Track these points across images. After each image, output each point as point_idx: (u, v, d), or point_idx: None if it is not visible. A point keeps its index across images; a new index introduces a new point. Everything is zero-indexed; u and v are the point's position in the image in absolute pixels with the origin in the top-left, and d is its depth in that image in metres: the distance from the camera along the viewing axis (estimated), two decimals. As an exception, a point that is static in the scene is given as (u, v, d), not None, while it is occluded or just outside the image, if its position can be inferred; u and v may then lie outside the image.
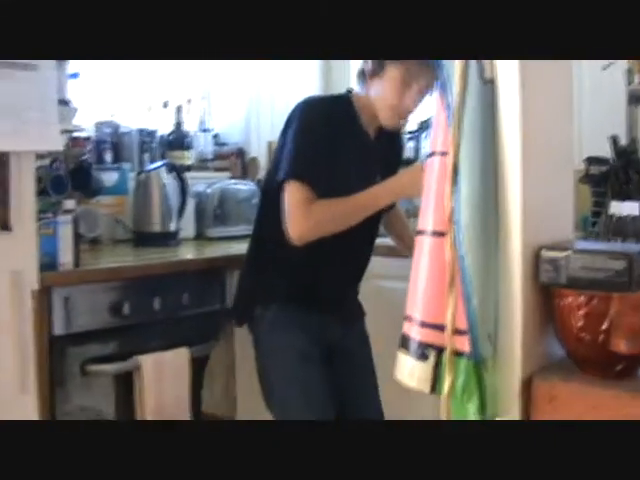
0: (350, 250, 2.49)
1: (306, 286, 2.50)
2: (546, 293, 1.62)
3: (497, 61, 1.57)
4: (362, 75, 2.53)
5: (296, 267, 2.48)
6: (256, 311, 2.51)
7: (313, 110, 2.44)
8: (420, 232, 1.62)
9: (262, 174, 4.15)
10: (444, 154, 1.57)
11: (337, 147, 2.41)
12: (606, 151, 3.08)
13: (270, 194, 2.47)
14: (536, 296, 1.61)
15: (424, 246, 1.60)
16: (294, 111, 2.45)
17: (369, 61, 2.47)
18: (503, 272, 1.57)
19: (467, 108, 1.55)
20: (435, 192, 1.58)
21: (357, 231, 2.38)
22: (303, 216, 2.31)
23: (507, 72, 1.57)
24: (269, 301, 2.49)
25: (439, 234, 1.56)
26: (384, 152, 2.60)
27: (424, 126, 4.00)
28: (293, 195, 2.33)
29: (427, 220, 1.60)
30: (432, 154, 1.62)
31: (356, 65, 2.53)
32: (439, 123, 1.61)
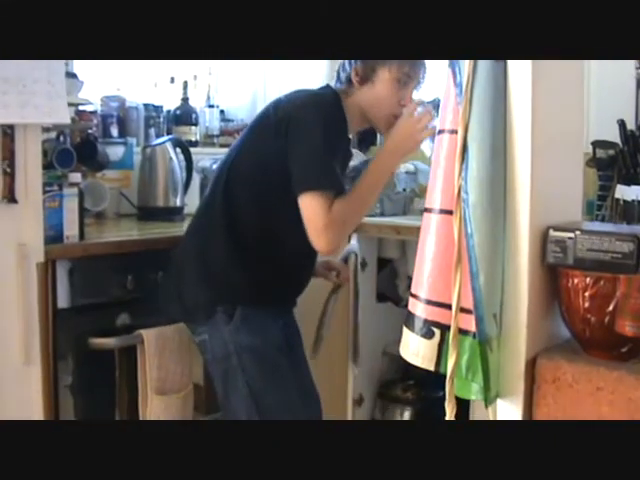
0: (310, 247, 2.40)
1: (275, 285, 2.47)
2: (552, 273, 1.62)
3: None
4: (348, 81, 2.48)
5: (270, 266, 2.45)
6: (217, 312, 2.43)
7: (321, 113, 2.36)
8: (427, 210, 1.61)
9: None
10: (453, 132, 1.56)
11: (336, 151, 2.38)
12: (613, 135, 3.07)
13: (257, 189, 2.41)
14: (542, 276, 1.61)
15: (431, 224, 1.59)
16: (295, 110, 2.36)
17: (356, 67, 2.44)
18: (510, 252, 1.56)
19: (477, 86, 1.53)
20: (444, 170, 1.57)
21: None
22: (330, 228, 2.26)
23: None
24: (235, 301, 2.43)
25: (446, 212, 1.55)
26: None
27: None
28: (317, 209, 2.26)
29: (435, 198, 1.59)
30: (441, 132, 1.61)
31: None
32: (449, 100, 1.60)
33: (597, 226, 1.71)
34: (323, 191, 2.26)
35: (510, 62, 1.55)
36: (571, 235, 1.55)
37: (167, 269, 2.63)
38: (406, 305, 1.67)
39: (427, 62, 2.52)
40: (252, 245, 2.42)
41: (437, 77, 2.43)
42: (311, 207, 2.26)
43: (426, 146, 2.36)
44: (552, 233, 1.58)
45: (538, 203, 1.56)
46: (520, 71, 1.55)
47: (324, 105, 2.40)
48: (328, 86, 2.55)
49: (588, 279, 1.54)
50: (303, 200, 2.28)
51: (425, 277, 1.60)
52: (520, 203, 1.55)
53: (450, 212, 1.54)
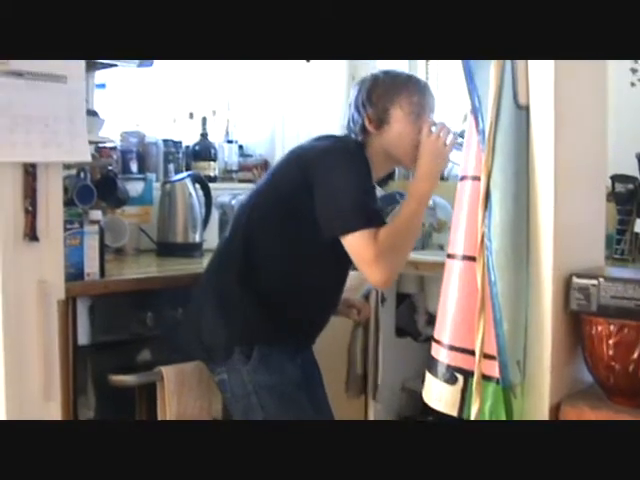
0: (330, 289, 2.48)
1: (293, 325, 2.45)
2: (576, 320, 1.62)
3: (531, 86, 1.58)
4: (363, 131, 2.48)
5: (286, 307, 2.43)
6: (235, 352, 2.41)
7: (346, 155, 2.36)
8: (450, 256, 1.62)
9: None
10: (476, 178, 1.57)
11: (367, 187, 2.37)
12: (632, 169, 3.07)
13: (278, 233, 2.41)
14: (566, 323, 1.61)
15: (454, 270, 1.60)
16: (320, 155, 2.37)
17: (368, 114, 2.44)
18: (533, 298, 1.57)
19: (500, 133, 1.55)
20: (467, 216, 1.58)
21: (336, 269, 2.44)
22: (381, 258, 2.22)
23: (541, 97, 1.57)
24: (253, 341, 2.40)
25: (470, 258, 1.56)
26: None
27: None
28: (365, 246, 2.23)
29: (458, 244, 1.60)
30: (464, 178, 1.62)
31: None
32: (471, 147, 1.62)
33: (620, 272, 1.71)
34: (362, 229, 2.23)
35: (533, 109, 1.56)
36: (594, 282, 1.55)
37: (187, 307, 2.63)
38: (426, 340, 1.68)
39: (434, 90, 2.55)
40: (270, 287, 2.41)
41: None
42: (356, 245, 2.25)
43: (453, 156, 2.36)
44: (575, 280, 1.58)
45: (561, 248, 1.57)
46: (542, 117, 1.56)
47: (349, 149, 2.41)
48: (348, 135, 2.55)
49: (612, 326, 1.54)
50: (346, 242, 2.27)
51: (448, 323, 1.60)
52: (543, 250, 1.55)
53: (473, 258, 1.55)
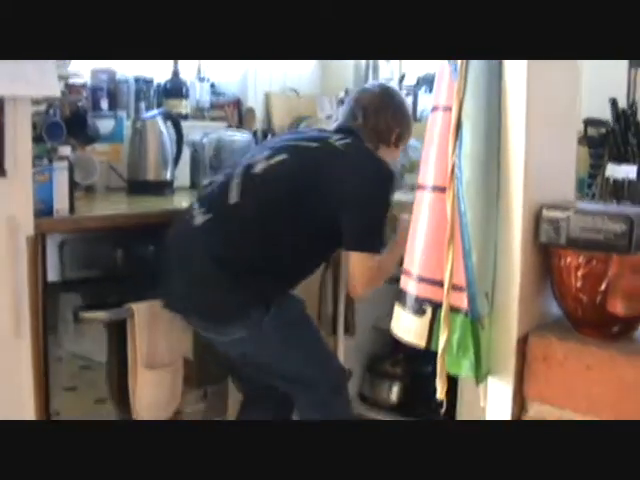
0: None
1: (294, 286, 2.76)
2: (545, 252, 1.62)
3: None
4: (382, 139, 2.84)
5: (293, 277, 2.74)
6: (254, 310, 2.58)
7: (387, 187, 2.66)
8: (420, 187, 1.61)
9: (259, 125, 4.15)
10: (447, 109, 1.56)
11: None
12: (605, 113, 3.06)
13: (298, 228, 2.65)
14: (535, 255, 1.61)
15: (424, 201, 1.59)
16: (375, 175, 2.66)
17: (396, 131, 2.84)
18: (503, 230, 1.56)
19: (472, 63, 1.53)
20: (437, 147, 1.57)
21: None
22: (369, 283, 2.70)
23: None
24: (269, 303, 2.59)
25: (440, 189, 1.55)
26: None
27: (421, 82, 4.00)
28: (366, 264, 2.63)
29: (428, 175, 1.59)
30: (435, 108, 1.61)
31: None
32: (443, 77, 1.60)
33: (590, 206, 1.70)
34: (374, 254, 2.61)
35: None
36: (564, 215, 1.55)
37: (178, 266, 2.68)
38: (397, 281, 1.67)
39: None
40: (286, 262, 2.65)
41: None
42: (361, 265, 2.65)
43: None
44: (545, 212, 1.57)
45: (532, 181, 1.56)
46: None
47: (388, 176, 2.68)
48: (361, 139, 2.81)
49: (581, 258, 1.54)
50: (356, 256, 2.65)
51: (417, 254, 1.60)
52: (514, 181, 1.55)
53: (443, 189, 1.54)
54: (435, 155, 1.57)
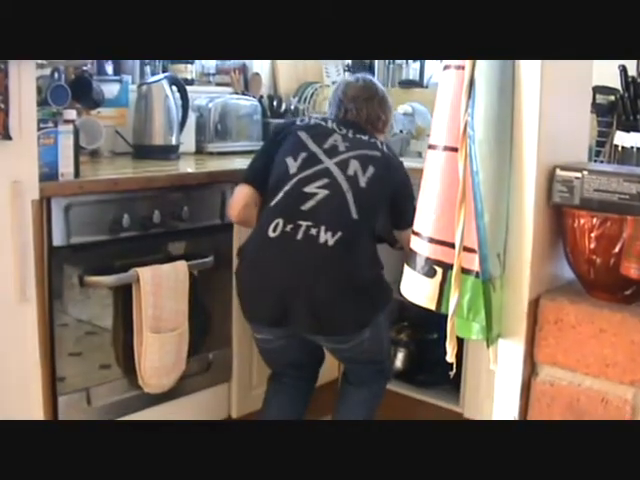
0: None
1: None
2: (558, 213, 1.59)
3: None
4: (377, 128, 3.06)
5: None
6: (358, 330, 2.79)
7: None
8: (431, 147, 1.58)
9: (264, 90, 4.13)
10: (460, 67, 1.53)
11: None
12: (614, 81, 3.03)
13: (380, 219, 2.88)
14: (548, 216, 1.58)
15: (435, 161, 1.56)
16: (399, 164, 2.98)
17: (388, 118, 3.11)
18: (515, 190, 1.54)
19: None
20: (450, 106, 1.54)
21: None
22: None
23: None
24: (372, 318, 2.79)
25: (452, 149, 1.52)
26: None
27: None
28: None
29: (440, 134, 1.56)
30: (447, 67, 1.58)
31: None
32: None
33: (604, 166, 1.68)
34: None
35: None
36: (578, 175, 1.53)
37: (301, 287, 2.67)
38: (401, 247, 1.65)
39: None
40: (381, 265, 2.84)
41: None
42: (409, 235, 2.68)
43: None
44: (559, 172, 1.55)
45: (545, 141, 1.54)
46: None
47: None
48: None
49: (594, 220, 1.52)
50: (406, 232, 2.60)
51: (428, 215, 1.58)
52: (527, 141, 1.52)
53: (455, 149, 1.51)
54: (447, 114, 1.54)
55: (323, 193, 2.69)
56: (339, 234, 2.62)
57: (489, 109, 1.49)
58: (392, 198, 2.87)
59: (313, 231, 2.61)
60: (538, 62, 1.50)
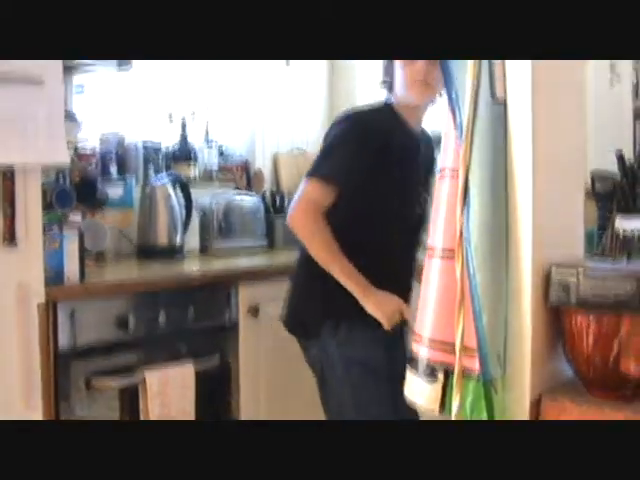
0: (402, 271, 2.65)
1: None
2: (556, 313, 1.61)
3: (508, 81, 1.58)
4: (389, 87, 2.63)
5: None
6: (324, 326, 2.53)
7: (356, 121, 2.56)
8: (430, 250, 1.62)
9: (267, 187, 4.17)
10: (454, 172, 1.57)
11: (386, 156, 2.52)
12: (612, 166, 3.07)
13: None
14: (546, 316, 1.61)
15: (433, 264, 1.60)
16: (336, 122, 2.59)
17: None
18: (513, 291, 1.56)
19: (478, 127, 1.54)
20: (445, 210, 1.58)
21: (406, 250, 2.66)
22: (306, 215, 2.48)
23: (518, 92, 1.57)
24: (340, 318, 2.53)
25: (449, 252, 1.55)
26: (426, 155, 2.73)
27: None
28: (310, 192, 2.47)
29: (437, 238, 1.59)
30: (442, 171, 1.62)
31: (361, 73, 2.56)
32: (449, 141, 1.61)
33: (600, 265, 1.70)
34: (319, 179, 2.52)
35: (510, 104, 1.56)
36: (574, 275, 1.55)
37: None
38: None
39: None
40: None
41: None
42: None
43: None
44: (555, 273, 1.58)
45: (540, 242, 1.57)
46: (520, 112, 1.56)
47: (362, 115, 2.64)
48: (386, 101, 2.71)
49: (591, 319, 1.54)
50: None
51: (428, 317, 1.60)
52: (522, 243, 1.55)
53: (452, 252, 1.54)
54: (443, 219, 1.58)
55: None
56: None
57: (484, 213, 1.52)
58: None
59: None
60: (530, 163, 1.54)
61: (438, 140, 1.77)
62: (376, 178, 2.49)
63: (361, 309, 2.47)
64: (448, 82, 1.63)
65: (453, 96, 1.60)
